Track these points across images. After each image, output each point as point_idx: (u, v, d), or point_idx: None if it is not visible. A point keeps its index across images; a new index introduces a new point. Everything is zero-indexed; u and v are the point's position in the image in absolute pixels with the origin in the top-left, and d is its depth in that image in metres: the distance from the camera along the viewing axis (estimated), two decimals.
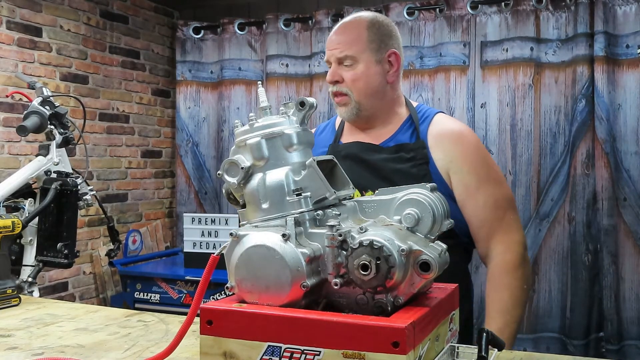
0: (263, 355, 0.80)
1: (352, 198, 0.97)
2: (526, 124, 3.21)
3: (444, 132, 1.56)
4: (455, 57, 3.33)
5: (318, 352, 0.77)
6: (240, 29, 3.90)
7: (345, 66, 1.54)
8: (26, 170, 2.12)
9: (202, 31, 3.99)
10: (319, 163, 0.90)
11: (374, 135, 1.59)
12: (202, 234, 3.44)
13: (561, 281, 3.12)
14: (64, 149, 2.24)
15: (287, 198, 0.88)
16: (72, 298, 3.41)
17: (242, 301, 0.86)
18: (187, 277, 3.32)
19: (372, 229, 0.83)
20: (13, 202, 2.11)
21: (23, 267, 2.11)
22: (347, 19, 1.61)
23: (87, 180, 2.33)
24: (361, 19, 1.58)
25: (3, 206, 2.06)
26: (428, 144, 1.54)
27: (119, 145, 3.77)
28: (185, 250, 3.49)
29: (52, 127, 2.16)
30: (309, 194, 0.88)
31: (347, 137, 1.64)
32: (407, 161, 1.52)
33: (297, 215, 0.86)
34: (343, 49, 1.53)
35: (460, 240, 1.53)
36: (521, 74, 3.22)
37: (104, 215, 2.59)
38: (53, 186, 2.08)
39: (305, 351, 0.78)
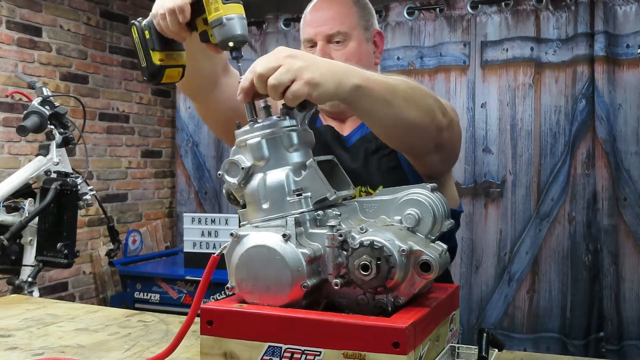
0: (263, 355, 0.80)
1: (353, 198, 0.97)
2: (526, 124, 3.21)
3: None
4: (455, 57, 3.33)
5: (318, 353, 0.77)
6: None
7: (336, 43, 1.39)
8: (26, 170, 2.12)
9: None
10: (319, 163, 0.90)
11: (344, 124, 1.46)
12: (202, 234, 3.44)
13: (561, 281, 3.12)
14: (64, 149, 2.24)
15: (288, 198, 0.88)
16: (72, 298, 3.41)
17: (243, 301, 0.86)
18: (187, 277, 3.32)
19: (372, 229, 0.83)
20: (13, 202, 2.12)
21: (23, 267, 2.12)
22: None
23: (87, 180, 2.33)
24: None
25: (3, 206, 2.06)
26: None
27: (119, 145, 3.77)
28: (185, 250, 3.49)
29: (52, 127, 2.16)
30: (309, 194, 0.88)
31: (323, 116, 1.49)
32: (373, 153, 1.38)
33: (298, 215, 0.86)
34: (333, 25, 1.38)
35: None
36: (521, 74, 3.22)
37: (104, 215, 2.60)
38: (53, 186, 2.08)
39: (305, 351, 0.78)
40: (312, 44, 1.41)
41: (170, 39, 1.05)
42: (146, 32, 1.05)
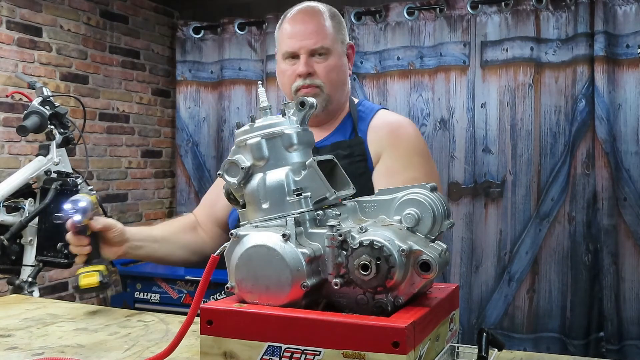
0: (263, 355, 0.80)
1: (352, 198, 0.97)
2: (526, 124, 3.21)
3: (382, 125, 1.50)
4: (455, 57, 3.33)
5: (318, 352, 0.77)
6: (240, 29, 3.89)
7: (319, 56, 1.47)
8: (26, 170, 2.12)
9: (202, 31, 3.99)
10: (319, 163, 0.90)
11: (315, 131, 1.53)
12: None
13: (561, 281, 3.12)
14: (64, 148, 2.24)
15: (287, 198, 0.88)
16: (72, 298, 3.40)
17: (242, 301, 0.86)
18: (187, 277, 3.32)
19: (372, 229, 0.83)
20: (13, 202, 2.11)
21: (23, 267, 2.11)
22: (304, 7, 1.53)
23: (87, 180, 2.33)
24: (321, 8, 1.53)
25: (3, 206, 2.06)
26: (367, 139, 1.48)
27: (119, 145, 3.77)
28: None
29: (52, 127, 2.16)
30: (309, 194, 0.88)
31: None
32: (344, 158, 1.42)
33: (297, 215, 0.86)
34: (317, 39, 1.47)
35: None
36: (521, 74, 3.22)
37: (104, 215, 2.59)
38: (53, 186, 2.08)
39: (305, 351, 0.78)
40: (294, 56, 1.48)
41: None
42: None
